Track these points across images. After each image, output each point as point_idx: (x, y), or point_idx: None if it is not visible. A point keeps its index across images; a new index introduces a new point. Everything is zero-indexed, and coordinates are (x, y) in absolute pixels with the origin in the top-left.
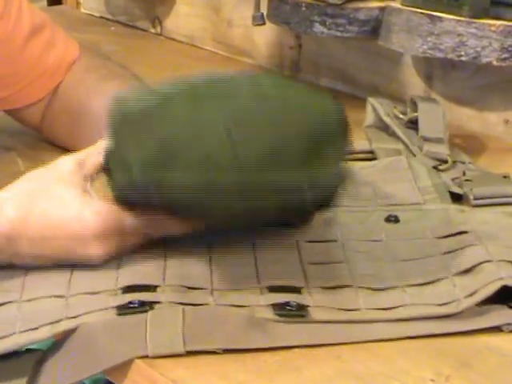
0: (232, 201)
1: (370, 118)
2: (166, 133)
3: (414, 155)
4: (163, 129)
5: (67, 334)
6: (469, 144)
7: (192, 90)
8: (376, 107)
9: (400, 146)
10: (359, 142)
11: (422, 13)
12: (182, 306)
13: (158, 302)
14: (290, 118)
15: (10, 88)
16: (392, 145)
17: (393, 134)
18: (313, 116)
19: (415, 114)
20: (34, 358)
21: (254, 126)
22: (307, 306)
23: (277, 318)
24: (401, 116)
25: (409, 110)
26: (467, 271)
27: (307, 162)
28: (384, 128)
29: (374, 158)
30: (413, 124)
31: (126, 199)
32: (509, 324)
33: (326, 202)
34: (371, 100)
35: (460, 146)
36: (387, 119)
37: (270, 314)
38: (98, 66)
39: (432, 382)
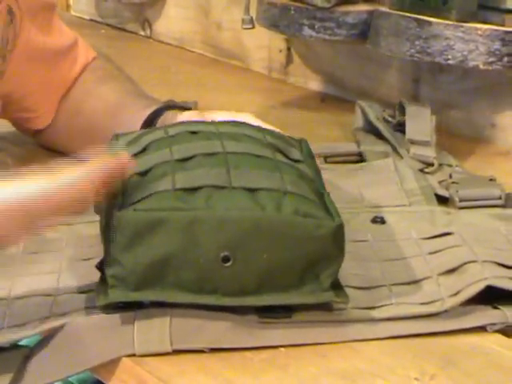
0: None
1: (359, 120)
2: (161, 252)
3: (402, 158)
4: (159, 248)
5: (54, 331)
6: (456, 147)
7: (192, 213)
8: (365, 110)
9: (388, 149)
10: (348, 144)
11: (409, 17)
12: (169, 309)
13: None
14: (288, 241)
15: (38, 111)
16: (380, 147)
17: (381, 137)
18: (309, 238)
19: (403, 118)
20: (20, 354)
21: (249, 252)
22: (291, 308)
23: (262, 320)
24: (389, 119)
25: (397, 113)
26: (452, 271)
27: (302, 283)
28: (373, 131)
29: (363, 160)
30: (401, 127)
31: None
32: (493, 324)
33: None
34: (361, 103)
35: (447, 148)
36: (376, 122)
37: (256, 316)
38: (95, 67)
39: (417, 381)
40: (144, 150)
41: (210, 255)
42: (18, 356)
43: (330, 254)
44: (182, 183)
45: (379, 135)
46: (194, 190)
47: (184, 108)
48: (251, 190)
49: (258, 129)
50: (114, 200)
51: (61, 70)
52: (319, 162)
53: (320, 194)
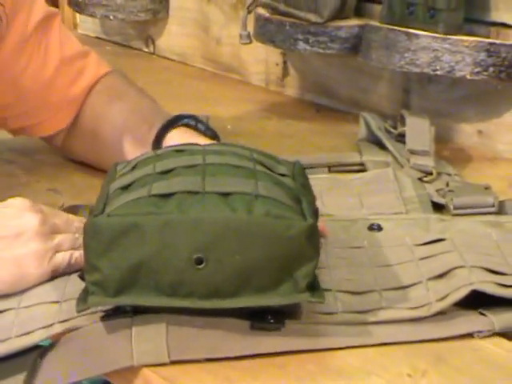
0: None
1: (362, 131)
2: (136, 256)
3: (402, 167)
4: (134, 252)
5: (61, 337)
6: (444, 153)
7: (165, 217)
8: (368, 122)
9: (389, 159)
10: (350, 154)
11: (399, 30)
12: (165, 316)
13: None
14: (259, 242)
15: (38, 117)
16: (381, 157)
17: (383, 147)
18: (281, 238)
19: (404, 129)
20: (32, 354)
21: (221, 254)
22: (285, 312)
23: (255, 329)
24: (391, 130)
25: (399, 124)
26: (441, 276)
27: (278, 284)
28: (376, 141)
29: (365, 170)
30: (402, 138)
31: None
32: (479, 331)
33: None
34: (364, 115)
35: (437, 155)
36: (378, 133)
37: (248, 325)
38: (110, 86)
39: (409, 377)
40: (133, 168)
41: (183, 257)
42: (30, 356)
43: (304, 254)
44: (157, 190)
45: (381, 145)
46: (167, 195)
47: (197, 123)
48: (224, 195)
49: (249, 148)
50: (95, 211)
51: (63, 77)
52: (323, 171)
53: (298, 200)
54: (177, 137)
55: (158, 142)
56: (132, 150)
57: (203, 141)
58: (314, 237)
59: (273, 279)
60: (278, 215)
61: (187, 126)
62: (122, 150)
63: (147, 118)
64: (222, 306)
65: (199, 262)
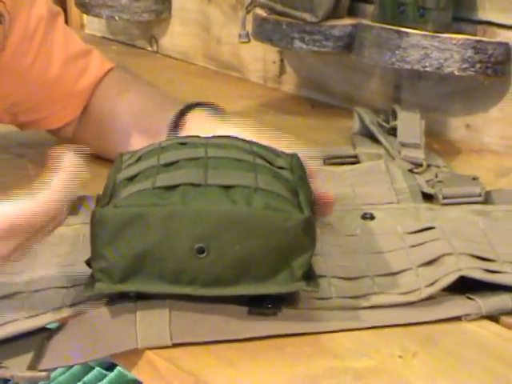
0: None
1: (356, 125)
2: (141, 245)
3: (394, 159)
4: (139, 241)
5: (69, 320)
6: (434, 146)
7: (168, 208)
8: (362, 116)
9: (381, 151)
10: (345, 148)
11: (390, 29)
12: (168, 301)
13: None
14: (258, 233)
15: (46, 111)
16: (374, 150)
17: (376, 140)
18: (279, 230)
19: (396, 122)
20: (40, 336)
21: (222, 244)
22: (282, 297)
23: (253, 314)
24: (383, 124)
25: (391, 118)
26: (430, 263)
27: (276, 273)
28: (369, 135)
29: (358, 162)
30: (394, 131)
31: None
32: (467, 315)
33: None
34: (358, 109)
35: (428, 148)
36: (371, 126)
37: (246, 310)
38: (118, 79)
39: (400, 358)
40: (138, 160)
41: (186, 247)
42: (37, 337)
43: (300, 245)
44: (161, 182)
45: (374, 139)
46: (171, 187)
47: (211, 108)
48: (225, 187)
49: (248, 141)
50: (101, 202)
51: (69, 72)
52: (318, 164)
53: (295, 193)
54: (194, 119)
55: (175, 126)
56: (145, 139)
57: (219, 124)
58: (309, 229)
59: (270, 268)
60: (276, 208)
61: (203, 110)
62: (134, 139)
63: (159, 105)
64: (222, 294)
65: (201, 251)
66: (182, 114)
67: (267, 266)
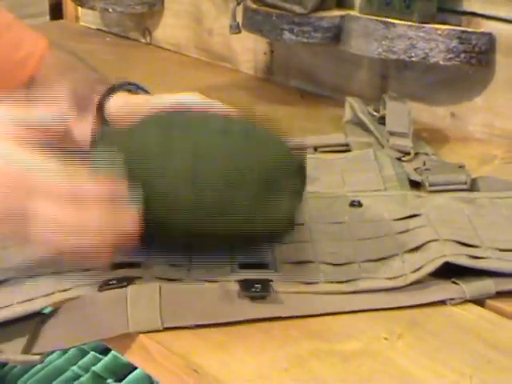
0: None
1: (348, 114)
2: (139, 152)
3: (383, 147)
4: (138, 149)
5: (63, 305)
6: (420, 135)
7: (166, 119)
8: (353, 105)
9: (371, 140)
10: (336, 136)
11: (377, 20)
12: (158, 284)
13: (139, 278)
14: (251, 151)
15: None
16: (364, 138)
17: (366, 129)
18: (273, 153)
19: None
20: (34, 320)
21: (216, 154)
22: (271, 281)
23: (242, 298)
24: (374, 113)
25: (381, 107)
26: (416, 249)
27: (263, 194)
28: (360, 123)
29: (349, 150)
30: (384, 120)
31: None
32: (451, 299)
33: (274, 236)
34: (349, 99)
35: (417, 136)
36: (362, 116)
37: (237, 292)
38: (62, 59)
39: (386, 340)
40: None
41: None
42: (31, 322)
43: (291, 169)
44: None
45: (365, 127)
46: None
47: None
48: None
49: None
50: None
51: (4, 40)
52: (309, 151)
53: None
54: (115, 102)
55: (100, 108)
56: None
57: (141, 99)
58: (301, 160)
59: (258, 188)
60: (273, 136)
61: (128, 91)
62: None
63: (95, 88)
64: (207, 198)
65: (194, 159)
66: (108, 95)
67: (256, 183)
